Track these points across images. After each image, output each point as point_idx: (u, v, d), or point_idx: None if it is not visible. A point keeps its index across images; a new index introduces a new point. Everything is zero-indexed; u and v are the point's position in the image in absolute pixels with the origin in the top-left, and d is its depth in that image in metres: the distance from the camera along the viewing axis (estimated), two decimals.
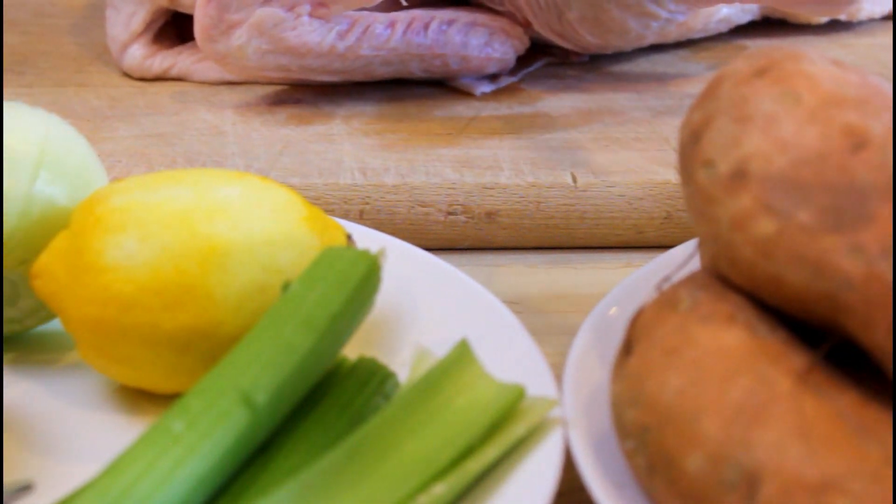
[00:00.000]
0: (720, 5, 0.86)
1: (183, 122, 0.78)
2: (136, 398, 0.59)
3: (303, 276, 0.54)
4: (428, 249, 0.65)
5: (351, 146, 0.76)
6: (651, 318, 0.51)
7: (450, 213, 0.72)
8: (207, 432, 0.48)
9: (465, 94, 0.82)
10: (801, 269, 0.48)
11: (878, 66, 0.87)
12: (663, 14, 0.80)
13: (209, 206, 0.57)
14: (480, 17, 0.81)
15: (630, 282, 0.62)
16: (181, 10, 0.81)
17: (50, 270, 0.57)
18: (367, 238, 0.65)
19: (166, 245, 0.56)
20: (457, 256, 0.70)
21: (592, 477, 0.50)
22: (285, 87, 0.82)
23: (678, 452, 0.47)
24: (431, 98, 0.82)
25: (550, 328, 0.64)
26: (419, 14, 0.80)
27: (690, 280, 0.53)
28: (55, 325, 0.63)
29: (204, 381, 0.50)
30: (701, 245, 0.55)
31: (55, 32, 0.91)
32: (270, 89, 0.82)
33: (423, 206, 0.72)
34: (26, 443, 0.57)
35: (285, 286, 0.55)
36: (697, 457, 0.47)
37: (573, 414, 0.53)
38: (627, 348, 0.51)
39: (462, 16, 0.81)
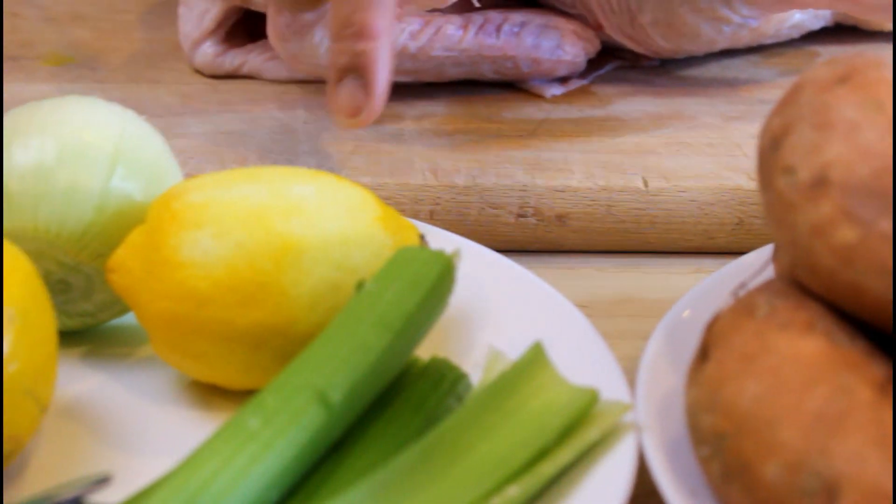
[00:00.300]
0: (793, 11, 0.85)
1: (254, 119, 0.79)
2: (208, 394, 0.59)
3: (378, 275, 0.54)
4: (497, 251, 0.65)
5: (422, 146, 0.76)
6: (728, 325, 0.51)
7: (520, 216, 0.72)
8: (283, 430, 0.48)
9: (536, 96, 0.82)
10: (882, 278, 0.47)
11: None
12: (736, 19, 0.80)
13: (285, 204, 0.57)
14: (552, 20, 0.81)
15: (702, 287, 0.61)
16: (253, 8, 0.82)
17: (126, 265, 0.57)
18: (439, 238, 0.65)
19: (242, 242, 0.56)
20: (526, 259, 0.70)
21: (666, 482, 0.50)
22: None
23: (755, 460, 0.47)
24: (502, 99, 0.82)
25: (620, 332, 0.64)
26: (492, 15, 0.80)
27: (767, 287, 0.52)
28: (128, 319, 0.63)
29: (279, 378, 0.50)
30: (777, 252, 0.55)
31: (127, 28, 0.91)
32: None
33: (493, 208, 0.72)
34: (99, 436, 0.57)
35: (359, 285, 0.55)
36: (775, 465, 0.46)
37: (646, 418, 0.53)
38: (703, 354, 0.51)
39: (534, 18, 0.81)
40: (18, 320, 0.51)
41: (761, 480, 0.47)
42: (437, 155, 0.75)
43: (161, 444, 0.57)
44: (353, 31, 0.65)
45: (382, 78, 0.65)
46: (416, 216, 0.71)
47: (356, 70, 0.65)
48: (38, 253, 0.58)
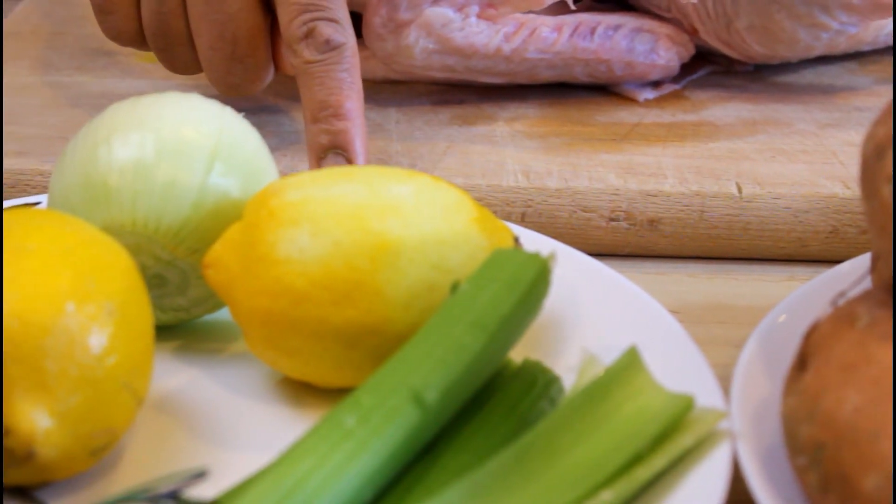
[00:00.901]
0: (891, 18, 0.84)
1: None
2: (300, 391, 0.59)
3: (474, 276, 0.54)
4: (588, 255, 0.65)
5: (514, 148, 0.76)
6: (827, 334, 0.51)
7: (612, 220, 0.72)
8: (378, 429, 0.48)
9: (628, 99, 0.82)
10: None
11: None
12: (834, 25, 0.79)
13: (382, 204, 0.57)
14: (647, 24, 0.81)
15: (797, 295, 0.61)
16: (349, 8, 0.82)
17: (222, 261, 0.58)
18: (531, 241, 0.65)
19: (338, 241, 0.56)
20: (617, 263, 0.70)
21: (761, 491, 0.50)
22: (448, 87, 0.82)
23: (854, 471, 0.46)
24: (594, 103, 0.82)
25: (711, 338, 0.64)
26: (586, 18, 0.80)
27: (867, 297, 0.52)
28: (221, 315, 0.64)
29: (375, 377, 0.50)
30: (877, 262, 0.54)
31: None
32: (434, 88, 0.82)
33: (585, 212, 0.72)
34: (191, 430, 0.57)
35: (454, 286, 0.55)
36: (875, 477, 0.46)
37: (741, 426, 0.53)
38: (802, 363, 0.51)
39: (629, 21, 0.81)
40: (118, 314, 0.52)
41: (860, 492, 0.46)
42: (529, 157, 0.75)
43: (252, 439, 0.57)
44: (329, 112, 0.69)
45: (362, 152, 0.70)
46: (507, 218, 0.71)
47: (337, 147, 0.70)
48: (135, 247, 0.59)
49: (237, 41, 0.72)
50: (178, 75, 0.81)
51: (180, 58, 0.75)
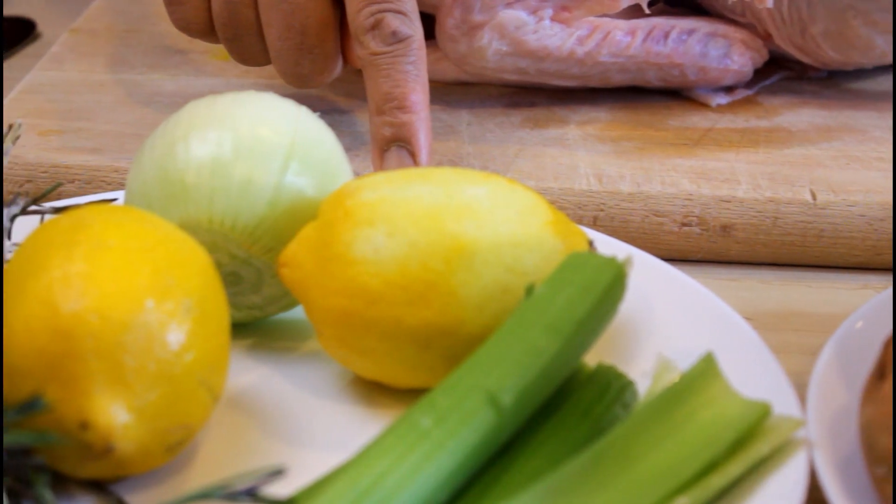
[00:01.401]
0: None
1: None
2: (372, 391, 0.59)
3: (549, 279, 0.54)
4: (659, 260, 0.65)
5: (585, 152, 0.75)
6: None
7: (684, 225, 0.71)
8: (454, 430, 0.49)
9: (700, 104, 0.82)
10: None
11: None
12: None
13: (457, 205, 0.57)
14: (721, 28, 0.81)
15: (874, 303, 0.60)
16: (421, 9, 0.82)
17: (298, 260, 0.58)
18: (604, 245, 0.65)
19: (414, 241, 0.56)
20: (688, 268, 0.70)
21: (839, 501, 0.49)
22: (520, 89, 0.82)
23: None
24: (666, 107, 0.81)
25: (784, 346, 0.63)
26: (660, 22, 0.79)
27: None
28: (294, 313, 0.64)
29: (451, 378, 0.50)
30: None
31: None
32: (505, 91, 0.82)
33: (657, 216, 0.71)
34: (264, 428, 0.58)
35: (529, 289, 0.55)
36: None
37: (818, 435, 0.52)
38: (881, 372, 0.50)
39: (702, 26, 0.80)
40: (196, 311, 0.52)
41: None
42: (602, 161, 0.74)
43: (325, 438, 0.57)
44: (394, 104, 0.69)
45: (425, 146, 0.69)
46: (579, 222, 0.71)
47: (400, 140, 0.69)
48: (211, 245, 0.59)
49: (306, 31, 0.72)
50: (252, 74, 0.82)
51: (249, 48, 0.75)
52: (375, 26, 0.70)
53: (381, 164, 0.70)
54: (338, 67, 0.74)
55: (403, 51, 0.70)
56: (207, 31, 0.75)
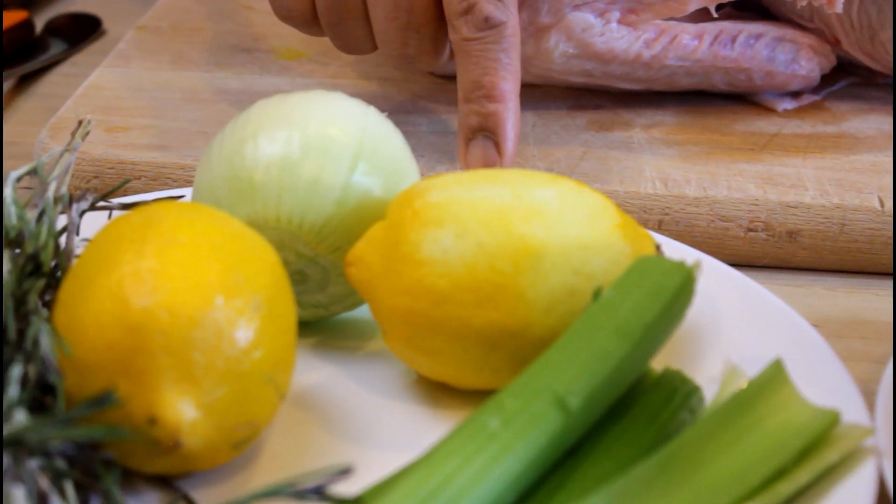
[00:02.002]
0: None
1: None
2: (436, 391, 0.60)
3: (618, 283, 0.54)
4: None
5: (651, 155, 0.75)
6: None
7: (750, 230, 0.71)
8: (522, 432, 0.48)
9: (767, 109, 0.81)
10: None
11: None
12: None
13: (526, 207, 0.57)
14: (789, 33, 0.80)
15: None
16: None
17: (365, 259, 0.58)
18: (671, 249, 0.65)
19: (482, 243, 0.56)
20: (753, 273, 0.69)
21: None
22: (585, 91, 0.82)
23: None
24: (732, 112, 0.81)
25: (851, 354, 0.63)
26: (727, 26, 0.79)
27: None
28: (358, 312, 0.64)
29: (518, 381, 0.50)
30: None
31: None
32: (570, 93, 0.82)
33: (723, 221, 0.71)
34: (329, 426, 0.58)
35: (597, 292, 0.55)
36: None
37: (887, 444, 0.52)
38: None
39: (770, 30, 0.80)
40: (264, 308, 0.52)
41: None
42: (667, 164, 0.74)
43: (389, 438, 0.57)
44: (482, 93, 0.68)
45: (512, 137, 0.68)
46: (644, 225, 0.71)
47: (486, 130, 0.68)
48: (279, 243, 0.59)
49: (413, 9, 0.70)
50: (317, 74, 0.82)
51: (353, 33, 0.73)
52: (468, 11, 0.68)
53: (465, 153, 0.69)
54: (445, 50, 0.72)
55: (496, 37, 0.68)
56: (309, 18, 0.73)
